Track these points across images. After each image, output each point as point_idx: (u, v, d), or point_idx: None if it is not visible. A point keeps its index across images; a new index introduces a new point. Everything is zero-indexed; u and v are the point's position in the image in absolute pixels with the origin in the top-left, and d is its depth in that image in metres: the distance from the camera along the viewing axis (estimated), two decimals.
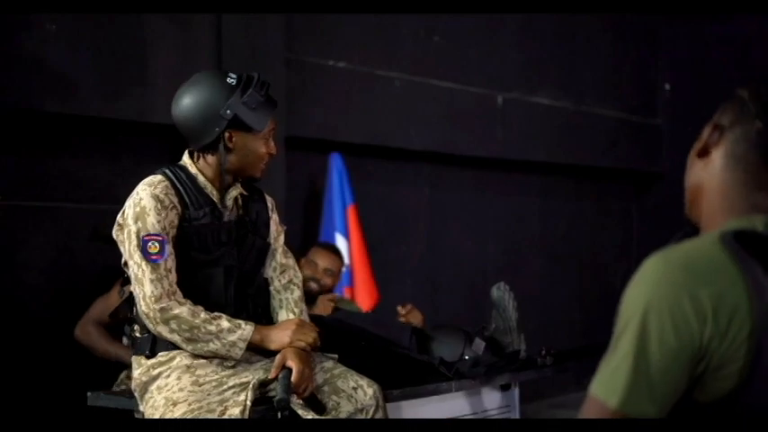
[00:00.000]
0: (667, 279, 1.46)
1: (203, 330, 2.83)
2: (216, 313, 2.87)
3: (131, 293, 2.96)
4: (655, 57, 7.76)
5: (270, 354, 2.97)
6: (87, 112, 4.33)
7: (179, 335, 2.83)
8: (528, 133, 6.69)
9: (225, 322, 2.86)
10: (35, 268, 4.28)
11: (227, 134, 2.93)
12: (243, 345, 2.87)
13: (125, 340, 3.53)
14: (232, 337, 2.85)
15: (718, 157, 1.61)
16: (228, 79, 2.95)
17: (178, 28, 4.61)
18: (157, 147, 4.55)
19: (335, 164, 5.41)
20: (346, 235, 5.36)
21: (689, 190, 1.66)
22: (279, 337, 2.93)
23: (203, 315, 2.84)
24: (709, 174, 1.61)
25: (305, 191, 5.55)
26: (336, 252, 4.66)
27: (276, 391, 2.83)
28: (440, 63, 6.11)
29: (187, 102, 2.96)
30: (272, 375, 2.87)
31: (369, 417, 2.97)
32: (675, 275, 1.46)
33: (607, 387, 1.46)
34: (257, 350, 2.97)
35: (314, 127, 5.35)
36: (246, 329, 2.88)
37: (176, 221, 2.89)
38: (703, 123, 1.73)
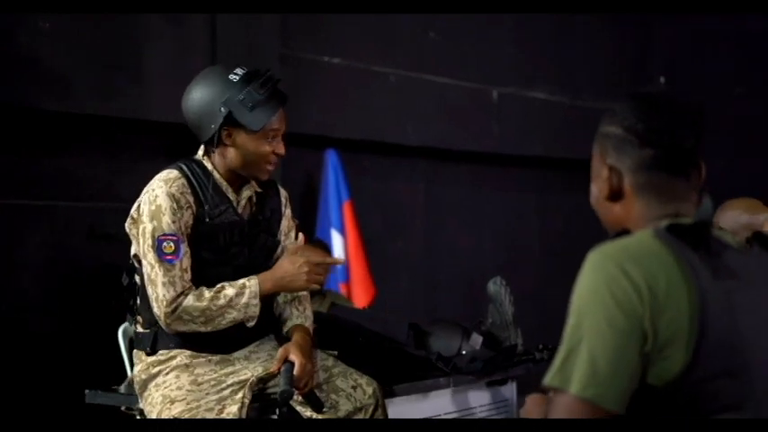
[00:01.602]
0: (604, 265, 1.54)
1: (214, 308, 2.83)
2: (218, 285, 2.86)
3: (134, 283, 2.96)
4: (650, 50, 7.75)
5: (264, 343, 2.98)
6: (84, 110, 4.32)
7: (194, 323, 2.84)
8: (524, 128, 6.68)
9: (230, 289, 2.86)
10: (33, 267, 4.28)
11: (224, 131, 2.89)
12: (256, 301, 2.87)
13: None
14: (243, 300, 2.86)
15: (629, 193, 1.70)
16: (231, 75, 2.91)
17: (174, 25, 4.61)
18: (155, 144, 4.54)
19: (331, 160, 5.41)
20: (342, 231, 5.36)
21: (611, 227, 1.75)
22: (295, 282, 2.92)
23: (207, 294, 2.84)
24: (628, 209, 1.71)
25: (301, 187, 5.55)
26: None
27: (279, 384, 2.83)
28: (435, 58, 6.10)
29: (189, 96, 2.95)
30: (274, 369, 2.87)
31: (368, 415, 2.96)
32: (611, 260, 1.54)
33: (564, 376, 1.51)
34: (259, 338, 2.99)
35: (309, 123, 5.34)
36: (252, 285, 2.88)
37: (191, 221, 2.87)
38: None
